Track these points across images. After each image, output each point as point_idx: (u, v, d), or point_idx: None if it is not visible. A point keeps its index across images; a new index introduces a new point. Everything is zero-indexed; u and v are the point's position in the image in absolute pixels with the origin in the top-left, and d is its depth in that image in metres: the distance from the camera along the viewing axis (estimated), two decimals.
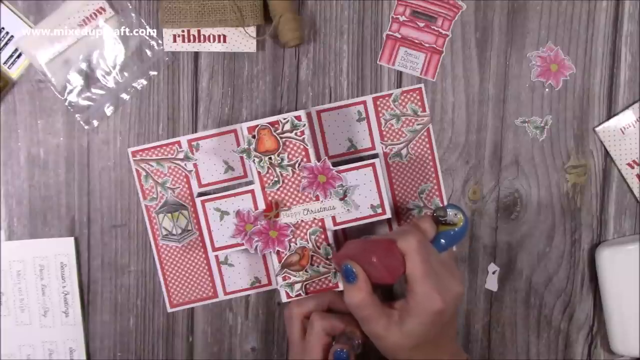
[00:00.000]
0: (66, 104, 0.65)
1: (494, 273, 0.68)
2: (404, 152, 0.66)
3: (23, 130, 0.66)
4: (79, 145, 0.66)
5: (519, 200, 0.67)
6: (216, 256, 0.66)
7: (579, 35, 0.66)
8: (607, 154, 0.67)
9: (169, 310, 0.67)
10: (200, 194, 0.65)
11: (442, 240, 0.57)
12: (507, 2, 0.65)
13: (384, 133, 0.65)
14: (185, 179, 0.66)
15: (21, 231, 0.66)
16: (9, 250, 0.66)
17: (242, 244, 0.61)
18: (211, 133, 0.65)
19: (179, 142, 0.65)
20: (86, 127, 0.66)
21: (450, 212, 0.57)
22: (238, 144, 0.65)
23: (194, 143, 0.65)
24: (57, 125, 0.66)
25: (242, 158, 0.65)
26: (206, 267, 0.66)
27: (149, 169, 0.65)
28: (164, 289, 0.67)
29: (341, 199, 0.61)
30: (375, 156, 0.65)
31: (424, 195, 0.66)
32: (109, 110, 0.66)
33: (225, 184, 0.65)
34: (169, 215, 0.65)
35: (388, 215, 0.62)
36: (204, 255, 0.66)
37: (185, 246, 0.66)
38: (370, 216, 0.62)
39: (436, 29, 0.65)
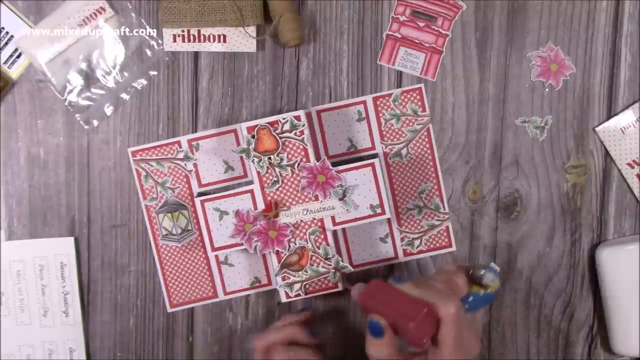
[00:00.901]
0: (66, 104, 0.65)
1: None
2: (404, 152, 0.66)
3: (23, 130, 0.66)
4: (79, 145, 0.66)
5: (519, 200, 0.67)
6: (216, 256, 0.66)
7: (579, 35, 0.66)
8: (607, 154, 0.67)
9: (169, 310, 0.67)
10: (200, 194, 0.65)
11: (470, 300, 0.54)
12: (507, 2, 0.65)
13: (384, 133, 0.65)
14: (185, 179, 0.66)
15: (21, 231, 0.66)
16: (9, 250, 0.66)
17: (242, 244, 0.61)
18: (211, 133, 0.65)
19: (179, 142, 0.65)
20: (86, 127, 0.66)
21: (490, 275, 0.53)
22: (238, 144, 0.65)
23: (194, 143, 0.65)
24: (57, 125, 0.66)
25: (242, 158, 0.65)
26: (206, 267, 0.66)
27: (149, 168, 0.65)
28: (163, 289, 0.67)
29: (340, 199, 0.61)
30: (375, 156, 0.65)
31: (424, 195, 0.66)
32: (109, 110, 0.66)
33: (225, 184, 0.65)
34: (169, 215, 0.65)
35: (387, 215, 0.62)
36: (204, 255, 0.66)
37: (185, 246, 0.66)
38: (370, 216, 0.62)
39: (436, 29, 0.65)
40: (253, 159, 0.60)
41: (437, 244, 0.67)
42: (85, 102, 0.65)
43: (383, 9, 0.65)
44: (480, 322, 0.56)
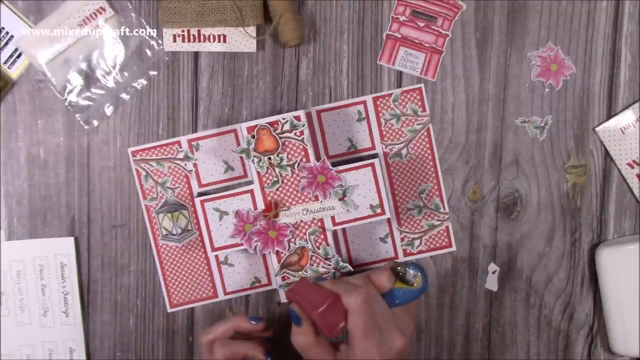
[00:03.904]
0: (66, 104, 0.65)
1: (494, 273, 0.68)
2: (404, 152, 0.66)
3: (23, 130, 0.66)
4: (79, 145, 0.66)
5: (519, 200, 0.67)
6: (216, 256, 0.66)
7: (579, 35, 0.66)
8: (607, 154, 0.67)
9: (169, 310, 0.67)
10: (200, 194, 0.65)
11: (396, 295, 0.57)
12: (507, 2, 0.65)
13: (384, 133, 0.65)
14: (185, 179, 0.66)
15: (21, 231, 0.66)
16: (9, 250, 0.66)
17: (241, 244, 0.61)
18: (211, 133, 0.65)
19: (179, 142, 0.65)
20: (86, 127, 0.66)
21: (411, 271, 0.57)
22: (238, 144, 0.65)
23: (194, 143, 0.65)
24: (57, 125, 0.66)
25: (242, 158, 0.65)
26: (206, 267, 0.66)
27: (149, 168, 0.65)
28: (163, 289, 0.67)
29: (340, 199, 0.61)
30: (375, 156, 0.65)
31: (424, 195, 0.66)
32: (109, 110, 0.66)
33: (226, 184, 0.65)
34: (169, 215, 0.65)
35: (387, 215, 0.62)
36: (204, 255, 0.66)
37: (185, 246, 0.66)
38: (370, 216, 0.62)
39: (436, 28, 0.65)
40: (253, 159, 0.60)
41: (437, 244, 0.67)
42: (85, 102, 0.65)
43: (383, 9, 0.65)
44: (412, 317, 0.58)
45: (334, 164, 0.61)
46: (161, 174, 0.66)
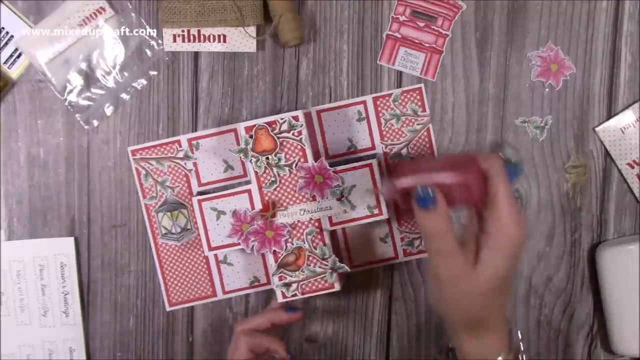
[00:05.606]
0: (66, 104, 0.65)
1: None
2: (404, 152, 0.66)
3: (23, 130, 0.66)
4: (79, 145, 0.66)
5: (519, 200, 0.67)
6: (215, 255, 0.66)
7: (579, 35, 0.66)
8: (607, 154, 0.67)
9: (168, 309, 0.67)
10: (200, 193, 0.65)
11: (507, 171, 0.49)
12: (507, 2, 0.65)
13: (384, 133, 0.65)
14: (185, 178, 0.66)
15: (21, 231, 0.66)
16: (9, 250, 0.66)
17: (239, 244, 0.61)
18: (211, 132, 0.65)
19: (178, 141, 0.65)
20: (86, 127, 0.66)
21: (509, 149, 0.52)
22: (238, 144, 0.65)
23: (194, 142, 0.65)
24: (57, 125, 0.66)
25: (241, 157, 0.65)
26: (205, 266, 0.66)
27: (149, 167, 0.65)
28: (162, 288, 0.67)
29: (338, 199, 0.61)
30: (374, 156, 0.65)
31: None
32: (109, 110, 0.66)
33: (225, 183, 0.65)
34: (169, 214, 0.65)
35: (385, 216, 0.62)
36: (203, 254, 0.66)
37: (184, 245, 0.66)
38: (367, 217, 0.62)
39: (436, 29, 0.65)
40: (251, 159, 0.60)
41: None
42: (85, 102, 0.65)
43: (383, 9, 0.65)
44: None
45: (334, 164, 0.61)
46: (161, 172, 0.66)
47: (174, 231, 0.65)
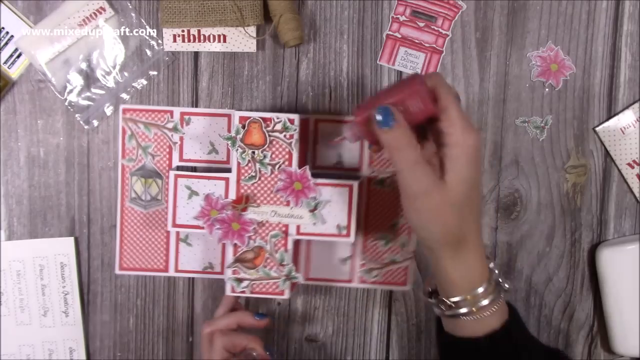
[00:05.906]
0: (66, 104, 0.65)
1: None
2: (388, 181, 0.65)
3: (23, 130, 0.66)
4: (79, 145, 0.66)
5: (519, 200, 0.67)
6: (177, 232, 0.65)
7: (579, 35, 0.66)
8: (607, 154, 0.67)
9: (117, 272, 0.66)
10: (179, 168, 0.65)
11: None
12: (507, 2, 0.65)
13: (374, 159, 0.65)
14: (168, 149, 0.65)
15: (21, 231, 0.66)
16: (9, 250, 0.66)
17: (203, 227, 0.61)
18: (205, 111, 0.65)
19: (171, 112, 0.65)
20: (86, 127, 0.66)
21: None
22: (229, 130, 0.65)
23: (186, 117, 0.65)
24: (57, 125, 0.66)
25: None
26: (165, 240, 0.66)
27: (135, 129, 0.65)
28: (117, 251, 0.66)
29: (311, 211, 0.60)
30: (358, 177, 0.65)
31: (396, 228, 0.65)
32: (109, 110, 0.66)
33: (206, 165, 0.65)
34: (142, 179, 0.65)
35: (351, 240, 0.61)
36: (166, 228, 0.66)
37: (150, 214, 0.66)
38: (334, 235, 0.61)
39: (436, 29, 0.65)
40: (237, 149, 0.60)
41: (393, 280, 0.66)
42: (85, 102, 0.65)
43: (383, 9, 0.65)
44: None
45: (317, 175, 0.61)
46: (146, 138, 0.65)
47: (143, 198, 0.64)
